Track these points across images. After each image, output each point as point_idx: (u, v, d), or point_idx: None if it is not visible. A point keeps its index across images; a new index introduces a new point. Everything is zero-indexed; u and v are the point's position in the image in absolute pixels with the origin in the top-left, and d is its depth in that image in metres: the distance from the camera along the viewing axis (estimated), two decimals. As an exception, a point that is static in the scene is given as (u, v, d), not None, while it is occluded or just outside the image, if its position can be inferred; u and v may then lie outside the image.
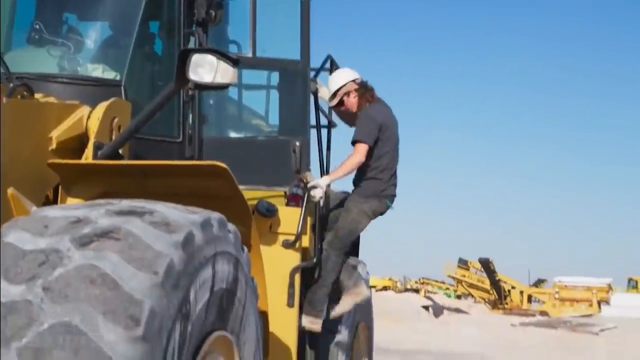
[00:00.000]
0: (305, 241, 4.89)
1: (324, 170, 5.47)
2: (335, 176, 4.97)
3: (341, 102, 5.03)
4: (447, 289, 50.94)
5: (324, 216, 5.23)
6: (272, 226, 4.66)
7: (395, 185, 5.15)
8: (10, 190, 3.21)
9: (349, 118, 5.18)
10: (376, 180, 5.00)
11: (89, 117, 3.89)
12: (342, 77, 5.06)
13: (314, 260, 4.98)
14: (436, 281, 51.91)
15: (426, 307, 33.63)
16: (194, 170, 3.67)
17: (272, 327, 4.34)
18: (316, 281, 5.01)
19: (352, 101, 5.04)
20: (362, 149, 4.93)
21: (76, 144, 3.83)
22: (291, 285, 4.67)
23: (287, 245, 4.67)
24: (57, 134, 3.74)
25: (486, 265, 42.69)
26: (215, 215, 3.04)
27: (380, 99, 5.24)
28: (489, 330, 24.94)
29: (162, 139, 4.37)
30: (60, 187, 3.62)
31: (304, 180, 5.15)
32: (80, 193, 3.57)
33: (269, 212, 4.57)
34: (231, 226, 3.20)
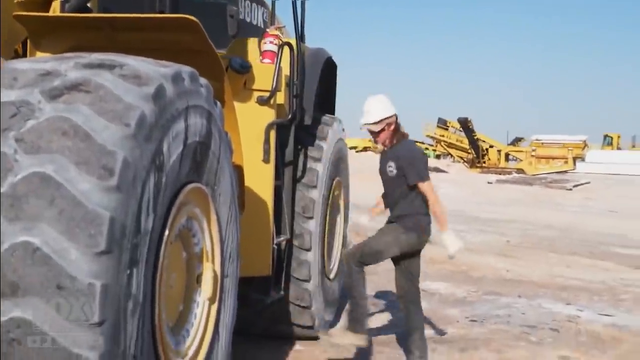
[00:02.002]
0: (280, 98, 4.88)
1: (299, 35, 5.32)
2: (446, 223, 4.96)
3: (381, 129, 4.98)
4: (427, 148, 51.47)
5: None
6: (246, 83, 4.62)
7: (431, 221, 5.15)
8: (-23, 45, 3.16)
9: (378, 140, 5.10)
10: (421, 216, 4.99)
11: None
12: (390, 109, 5.02)
13: (289, 116, 4.99)
14: (415, 141, 52.23)
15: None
16: (164, 23, 3.60)
17: (248, 182, 4.42)
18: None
19: (389, 132, 5.01)
20: (431, 185, 5.02)
21: None
22: (266, 141, 4.70)
23: (262, 101, 4.66)
24: None
25: (465, 125, 42.98)
26: (186, 69, 3.02)
27: None
28: (466, 188, 25.48)
29: None
30: (28, 41, 3.56)
31: (278, 37, 5.10)
32: (49, 47, 3.52)
33: (242, 68, 4.52)
34: (203, 80, 3.18)
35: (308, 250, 5.40)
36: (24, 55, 3.63)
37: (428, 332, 4.73)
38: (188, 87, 2.98)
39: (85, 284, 2.33)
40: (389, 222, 5.08)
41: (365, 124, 4.99)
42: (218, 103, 3.42)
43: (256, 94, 4.66)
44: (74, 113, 2.50)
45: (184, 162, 2.97)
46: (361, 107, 5.05)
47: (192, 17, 3.40)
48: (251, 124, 4.57)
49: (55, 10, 3.66)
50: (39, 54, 3.51)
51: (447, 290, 7.77)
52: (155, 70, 2.82)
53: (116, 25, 3.54)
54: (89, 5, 3.71)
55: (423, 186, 4.92)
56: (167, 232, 2.85)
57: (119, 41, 3.54)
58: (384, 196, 5.21)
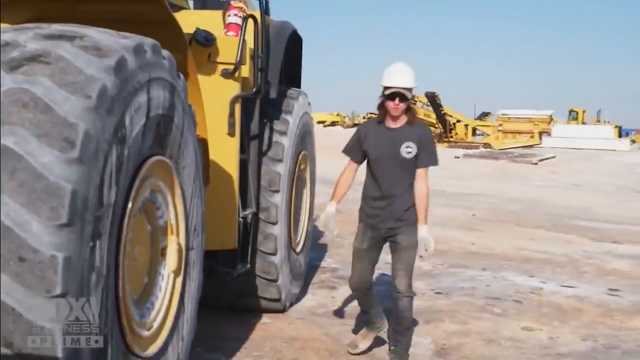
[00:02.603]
0: (245, 71, 4.86)
1: (263, 8, 5.28)
2: (427, 218, 4.60)
3: (404, 98, 4.55)
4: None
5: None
6: (210, 55, 4.59)
7: None
8: None
9: (397, 109, 4.59)
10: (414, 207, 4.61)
11: None
12: (414, 81, 4.61)
13: (254, 89, 4.98)
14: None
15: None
16: (126, -7, 3.56)
17: (213, 155, 4.41)
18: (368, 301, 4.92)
19: (404, 106, 4.61)
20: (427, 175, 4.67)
21: None
22: (231, 114, 4.68)
23: (227, 74, 4.62)
24: None
25: (432, 99, 43.10)
26: (148, 41, 3.00)
27: None
28: (432, 162, 25.58)
29: None
30: (-13, 12, 3.50)
31: (243, 9, 5.06)
32: (9, 18, 3.47)
33: (207, 41, 4.48)
34: (165, 52, 3.16)
35: (274, 223, 5.42)
36: (-17, 26, 3.56)
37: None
38: (150, 59, 2.97)
39: (47, 256, 2.33)
40: (380, 210, 4.66)
41: (401, 87, 4.52)
42: (181, 76, 3.41)
43: (220, 67, 4.63)
44: (34, 85, 2.48)
45: (146, 135, 2.96)
46: (385, 70, 4.63)
47: None
48: (216, 97, 4.54)
49: (14, -20, 3.60)
50: (-1, 25, 3.45)
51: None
52: (117, 41, 2.80)
53: (77, -5, 3.50)
54: (49, -25, 3.65)
55: (426, 173, 4.63)
56: (130, 205, 2.85)
57: (81, 12, 3.50)
58: (377, 179, 4.68)
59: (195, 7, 5.89)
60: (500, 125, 44.35)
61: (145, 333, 3.13)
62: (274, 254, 5.45)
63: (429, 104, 44.60)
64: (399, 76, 4.58)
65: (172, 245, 3.41)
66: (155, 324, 3.24)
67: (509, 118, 44.63)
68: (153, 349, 3.16)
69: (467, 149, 37.71)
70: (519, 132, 43.85)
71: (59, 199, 2.36)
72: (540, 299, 6.62)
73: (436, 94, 43.01)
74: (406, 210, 4.62)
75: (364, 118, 53.52)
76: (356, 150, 4.79)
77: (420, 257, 4.66)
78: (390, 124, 4.69)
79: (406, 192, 4.61)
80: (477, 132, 46.75)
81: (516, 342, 5.34)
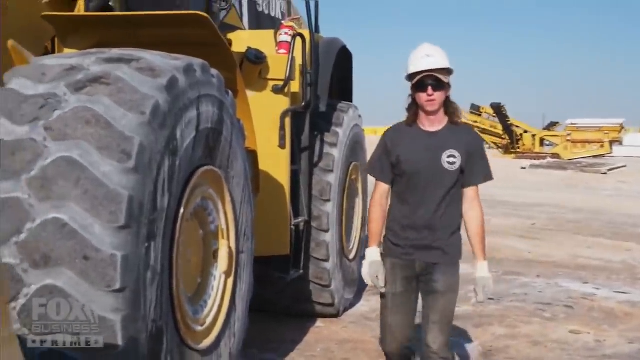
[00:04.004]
0: (295, 86, 5.16)
1: (313, 23, 5.58)
2: (485, 252, 3.67)
3: (439, 85, 3.53)
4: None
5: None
6: (261, 72, 4.89)
7: None
8: (10, 42, 3.47)
9: (433, 102, 3.57)
10: (459, 235, 3.69)
11: None
12: (448, 61, 3.60)
13: (303, 103, 5.26)
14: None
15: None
16: (178, 20, 3.89)
17: (265, 166, 4.70)
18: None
19: (444, 97, 3.60)
20: None
21: None
22: (282, 127, 4.97)
23: (277, 90, 4.92)
24: None
25: (498, 110, 42.74)
26: (197, 61, 3.30)
27: None
28: (498, 173, 25.34)
29: None
30: (56, 39, 3.88)
31: (293, 28, 5.36)
32: (75, 44, 3.83)
33: (257, 59, 4.78)
34: (214, 71, 3.46)
35: (326, 231, 5.68)
36: (53, 51, 3.94)
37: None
38: (199, 78, 3.27)
39: (107, 255, 2.63)
40: (414, 242, 3.62)
41: (431, 70, 3.50)
42: (230, 92, 3.70)
43: (271, 83, 4.93)
44: (96, 103, 2.80)
45: (196, 146, 3.26)
46: (408, 58, 3.63)
47: (203, 14, 3.68)
48: (267, 112, 4.84)
49: (80, 9, 3.97)
50: (67, 50, 3.82)
51: (466, 271, 7.98)
52: (168, 63, 3.11)
53: (135, 22, 3.84)
54: (110, 4, 4.01)
55: (477, 192, 3.67)
56: (182, 210, 3.14)
57: (138, 37, 3.83)
58: (410, 200, 3.63)
59: (250, 27, 6.22)
60: (568, 135, 43.55)
61: (199, 328, 3.41)
62: (326, 260, 5.70)
63: (494, 115, 44.26)
64: (426, 57, 3.56)
65: (223, 249, 3.69)
66: (208, 321, 3.52)
67: (577, 127, 43.76)
68: (206, 343, 3.44)
69: (534, 159, 37.24)
70: (588, 142, 42.95)
71: (118, 204, 2.66)
72: (592, 304, 6.68)
73: (502, 105, 42.62)
74: (448, 242, 3.60)
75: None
76: (385, 167, 3.72)
77: (479, 302, 3.82)
78: (427, 125, 3.64)
79: (448, 216, 3.60)
80: (546, 142, 46.06)
81: (562, 344, 5.45)
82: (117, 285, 2.63)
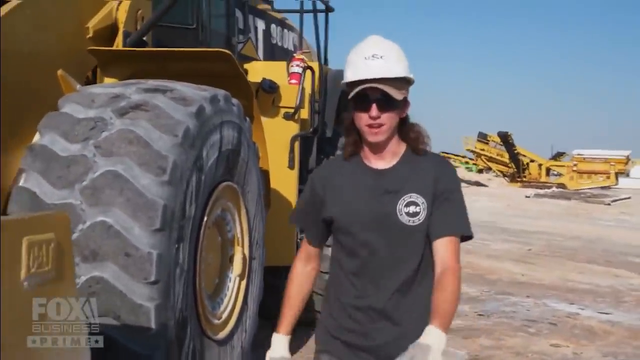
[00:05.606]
0: (304, 113, 5.71)
1: (322, 55, 6.18)
2: (447, 325, 2.20)
3: (399, 104, 2.31)
4: (467, 162, 51.63)
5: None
6: (274, 100, 5.45)
7: None
8: (59, 72, 4.01)
9: (379, 129, 2.31)
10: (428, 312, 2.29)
11: (117, 9, 4.67)
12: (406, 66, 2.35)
13: (311, 129, 5.82)
14: (456, 155, 52.24)
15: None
16: (204, 55, 4.47)
17: (275, 185, 5.25)
18: None
19: (399, 118, 2.36)
20: None
21: (107, 32, 4.63)
22: (291, 150, 5.52)
23: (288, 117, 5.47)
24: (92, 24, 4.52)
25: (505, 139, 43.17)
26: (221, 92, 3.87)
27: None
28: (502, 201, 25.90)
29: (179, 26, 5.16)
30: (98, 69, 4.46)
31: (304, 60, 5.93)
32: (114, 74, 4.40)
33: (271, 89, 5.34)
34: (235, 101, 4.03)
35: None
36: (94, 80, 4.51)
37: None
38: (222, 106, 3.83)
39: (145, 253, 3.16)
40: (363, 327, 2.39)
41: (376, 80, 2.26)
42: (247, 119, 4.26)
43: (283, 110, 5.49)
44: (137, 127, 3.36)
45: (219, 165, 3.81)
46: (347, 58, 2.39)
47: (227, 51, 4.26)
48: (279, 136, 5.39)
49: (118, 43, 4.54)
50: (107, 79, 4.39)
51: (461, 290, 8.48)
52: (197, 93, 3.68)
53: (166, 56, 4.42)
54: (145, 39, 4.59)
55: (454, 247, 2.32)
56: (205, 219, 3.69)
57: (168, 69, 4.40)
58: (354, 269, 2.45)
59: (265, 58, 6.80)
60: (574, 165, 43.91)
61: (216, 321, 3.94)
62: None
63: (501, 143, 44.68)
64: (372, 60, 2.30)
65: (238, 255, 4.23)
66: (224, 316, 4.06)
67: (584, 158, 44.12)
68: (222, 335, 3.97)
69: (539, 188, 37.60)
70: (594, 173, 43.28)
71: (154, 211, 3.20)
72: (574, 322, 7.17)
73: (509, 134, 43.06)
74: (421, 327, 2.16)
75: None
76: (311, 221, 2.61)
77: None
78: (373, 160, 2.43)
79: (417, 297, 2.35)
80: (552, 172, 46.42)
81: (543, 355, 5.95)
82: (153, 278, 3.16)
